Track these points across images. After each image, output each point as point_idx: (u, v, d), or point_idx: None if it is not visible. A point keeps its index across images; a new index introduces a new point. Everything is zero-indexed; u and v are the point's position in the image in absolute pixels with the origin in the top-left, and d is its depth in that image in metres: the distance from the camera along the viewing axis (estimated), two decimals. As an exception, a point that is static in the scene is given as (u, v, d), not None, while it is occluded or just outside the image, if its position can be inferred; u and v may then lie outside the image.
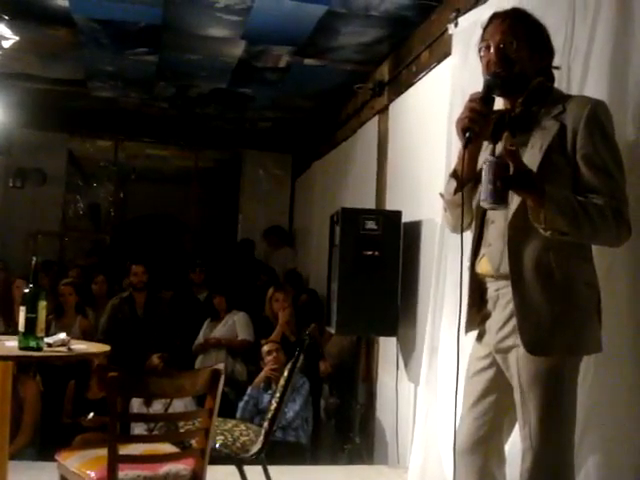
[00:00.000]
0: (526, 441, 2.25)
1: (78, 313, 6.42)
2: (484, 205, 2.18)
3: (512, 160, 2.12)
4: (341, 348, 5.96)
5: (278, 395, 3.64)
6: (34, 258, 3.06)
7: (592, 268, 2.32)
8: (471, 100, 2.29)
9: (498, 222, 2.33)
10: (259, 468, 3.56)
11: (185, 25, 5.54)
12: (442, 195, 2.50)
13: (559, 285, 2.21)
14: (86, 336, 5.73)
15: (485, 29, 2.42)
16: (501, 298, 2.32)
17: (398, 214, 4.96)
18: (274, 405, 3.62)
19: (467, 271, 2.44)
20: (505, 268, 2.27)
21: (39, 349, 2.92)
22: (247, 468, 3.47)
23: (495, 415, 2.39)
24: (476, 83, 2.56)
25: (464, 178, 2.37)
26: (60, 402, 5.68)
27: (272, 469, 3.63)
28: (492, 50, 2.36)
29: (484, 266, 2.38)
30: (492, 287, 2.37)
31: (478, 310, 2.43)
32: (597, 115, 2.24)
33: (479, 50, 2.42)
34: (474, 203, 2.40)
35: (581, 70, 2.81)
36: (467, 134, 2.25)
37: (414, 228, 4.84)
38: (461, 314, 2.34)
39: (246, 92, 7.40)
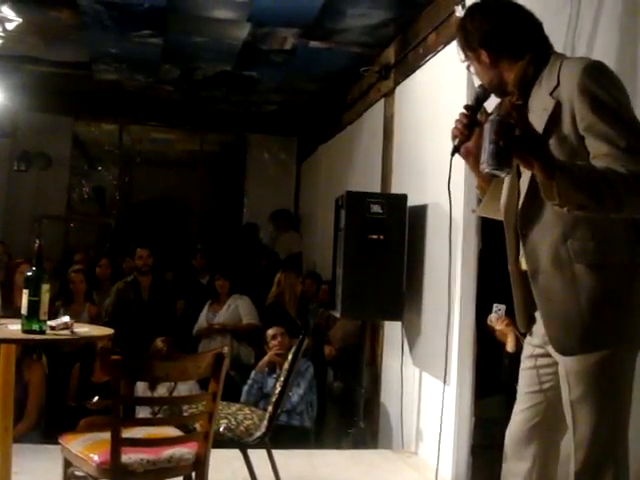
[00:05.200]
0: (575, 437, 2.13)
1: (87, 300, 6.41)
2: (484, 169, 1.99)
3: (518, 116, 1.94)
4: (346, 332, 5.94)
5: (282, 379, 3.62)
6: (37, 241, 3.04)
7: (631, 246, 2.11)
8: (461, 112, 2.30)
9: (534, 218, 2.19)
10: (263, 452, 3.55)
11: (190, 7, 5.50)
12: (473, 210, 2.54)
13: (582, 276, 2.05)
14: (94, 324, 5.72)
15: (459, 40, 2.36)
16: None
17: (403, 198, 4.93)
18: (278, 389, 3.60)
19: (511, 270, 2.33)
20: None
21: (42, 332, 2.91)
22: (251, 452, 3.46)
23: (548, 404, 2.26)
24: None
25: (482, 187, 2.43)
26: (65, 385, 5.68)
27: (276, 453, 3.62)
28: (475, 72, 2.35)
29: (524, 263, 2.24)
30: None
31: (529, 305, 2.27)
32: (591, 82, 2.04)
33: (467, 67, 2.38)
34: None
35: (585, 51, 2.76)
36: (455, 142, 2.31)
37: (419, 212, 4.81)
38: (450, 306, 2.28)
39: (251, 75, 7.36)
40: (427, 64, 5.01)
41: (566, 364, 2.12)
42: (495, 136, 1.93)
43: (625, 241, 2.11)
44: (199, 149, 10.53)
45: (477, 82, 3.39)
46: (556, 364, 2.23)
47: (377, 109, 6.22)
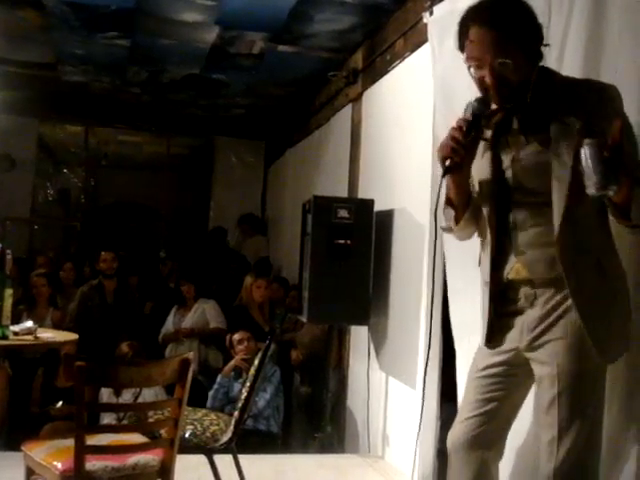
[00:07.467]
0: (557, 436, 2.15)
1: (50, 305, 6.33)
2: (594, 191, 1.90)
3: (620, 137, 1.88)
4: (313, 337, 5.94)
5: (249, 384, 3.61)
6: (0, 245, 3.00)
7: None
8: (455, 128, 2.15)
9: (530, 229, 2.20)
10: (229, 457, 3.54)
11: (158, 9, 5.46)
12: (443, 228, 2.40)
13: (611, 288, 2.17)
14: (58, 328, 5.66)
15: (464, 34, 2.17)
16: (540, 296, 2.20)
17: (370, 203, 4.93)
18: (244, 394, 3.59)
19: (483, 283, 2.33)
20: (549, 274, 2.16)
21: (5, 337, 2.88)
22: (217, 457, 3.44)
23: (500, 411, 2.31)
24: (454, 71, 2.52)
25: (457, 206, 2.31)
26: (28, 391, 5.61)
27: (243, 458, 3.61)
28: (487, 73, 2.13)
29: (520, 272, 2.22)
30: (526, 287, 2.22)
31: (501, 318, 2.29)
32: (613, 103, 2.10)
33: (468, 67, 2.17)
34: (484, 215, 2.29)
35: (555, 64, 2.78)
36: (447, 163, 2.15)
37: (386, 217, 4.83)
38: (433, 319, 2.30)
39: (219, 78, 7.33)
40: (395, 70, 5.03)
41: (562, 364, 2.15)
42: (603, 157, 1.87)
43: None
44: (166, 152, 10.46)
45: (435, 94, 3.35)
46: (515, 371, 2.28)
47: (345, 114, 6.23)
